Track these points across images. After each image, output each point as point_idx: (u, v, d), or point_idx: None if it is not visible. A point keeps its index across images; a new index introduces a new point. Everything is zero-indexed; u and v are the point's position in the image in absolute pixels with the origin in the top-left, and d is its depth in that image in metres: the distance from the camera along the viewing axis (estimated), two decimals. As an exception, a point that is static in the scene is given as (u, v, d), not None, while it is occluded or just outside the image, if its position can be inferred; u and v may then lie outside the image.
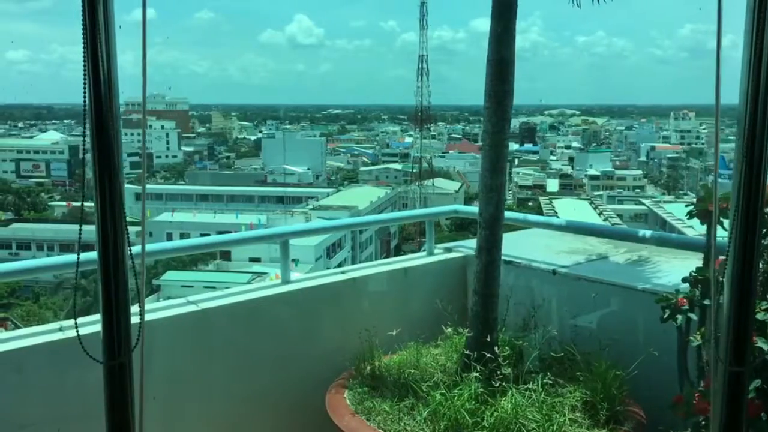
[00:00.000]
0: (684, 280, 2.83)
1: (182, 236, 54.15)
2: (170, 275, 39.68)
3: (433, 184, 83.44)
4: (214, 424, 3.41)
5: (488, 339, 3.20)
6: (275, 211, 58.81)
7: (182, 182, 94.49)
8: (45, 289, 47.11)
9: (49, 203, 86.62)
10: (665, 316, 2.97)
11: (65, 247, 57.39)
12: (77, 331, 1.34)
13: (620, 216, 57.88)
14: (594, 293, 3.55)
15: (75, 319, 1.49)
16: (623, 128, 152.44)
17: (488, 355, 3.11)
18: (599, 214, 55.55)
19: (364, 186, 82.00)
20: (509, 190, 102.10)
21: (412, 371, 3.26)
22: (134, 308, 1.55)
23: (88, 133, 1.32)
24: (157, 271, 38.62)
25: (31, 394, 2.89)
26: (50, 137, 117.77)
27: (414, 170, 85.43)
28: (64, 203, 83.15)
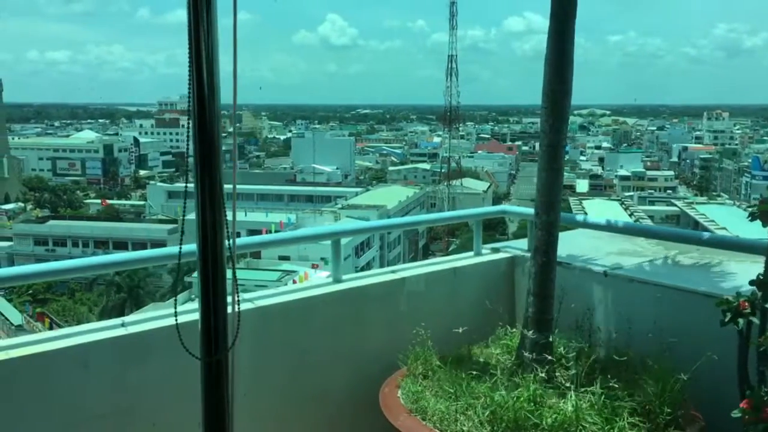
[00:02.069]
0: (751, 283, 2.78)
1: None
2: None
3: (461, 184, 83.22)
4: (267, 421, 3.44)
5: (545, 340, 3.18)
6: (304, 210, 59.14)
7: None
8: (80, 285, 48.04)
9: (85, 201, 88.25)
10: (726, 320, 2.93)
11: (100, 244, 58.46)
12: (177, 328, 1.36)
13: (651, 217, 57.13)
14: (657, 295, 3.50)
15: (176, 317, 1.51)
16: (655, 128, 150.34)
17: (548, 357, 3.09)
18: (630, 215, 54.85)
19: (393, 186, 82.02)
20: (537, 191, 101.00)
21: (467, 371, 3.25)
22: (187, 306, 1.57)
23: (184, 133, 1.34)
24: (189, 269, 39.08)
25: (96, 388, 2.95)
26: (86, 136, 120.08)
27: (442, 170, 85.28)
28: (98, 201, 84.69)
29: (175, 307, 1.54)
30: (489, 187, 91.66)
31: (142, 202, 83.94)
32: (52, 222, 64.94)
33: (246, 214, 54.86)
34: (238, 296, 1.47)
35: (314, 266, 38.85)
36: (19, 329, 35.88)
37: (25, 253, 58.95)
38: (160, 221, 65.22)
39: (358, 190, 76.60)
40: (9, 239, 62.63)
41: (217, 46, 1.27)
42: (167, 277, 45.64)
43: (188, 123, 1.25)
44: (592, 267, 3.96)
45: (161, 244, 54.17)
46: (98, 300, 45.67)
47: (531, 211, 4.58)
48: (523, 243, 4.54)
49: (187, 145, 1.29)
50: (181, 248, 1.46)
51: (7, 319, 36.58)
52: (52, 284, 43.55)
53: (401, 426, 3.06)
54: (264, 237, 3.78)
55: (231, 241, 1.40)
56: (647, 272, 3.82)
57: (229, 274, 1.44)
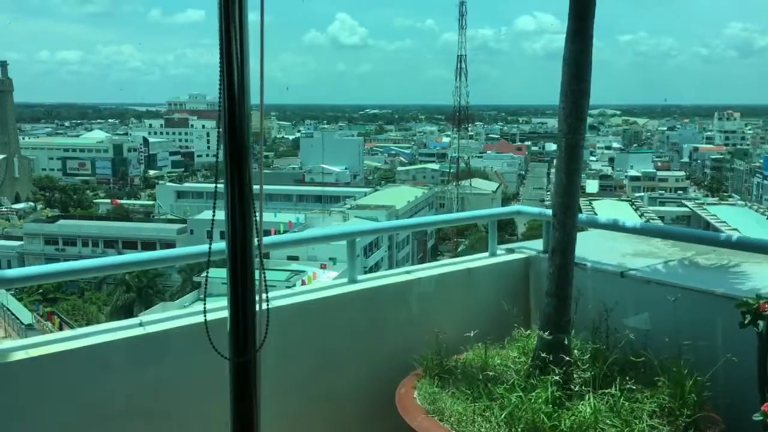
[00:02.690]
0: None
1: (222, 235, 54.81)
2: (211, 272, 40.05)
3: (470, 185, 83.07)
4: (283, 421, 3.44)
5: (562, 341, 3.16)
6: (313, 210, 59.17)
7: (222, 181, 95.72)
8: (89, 285, 48.25)
9: (94, 200, 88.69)
10: (745, 322, 2.90)
11: (109, 244, 58.71)
12: (206, 329, 1.35)
13: (662, 218, 56.81)
14: (673, 297, 3.47)
15: (205, 317, 1.50)
16: (665, 128, 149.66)
17: (566, 358, 3.08)
18: (640, 216, 54.58)
19: (401, 186, 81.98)
20: (546, 191, 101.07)
21: (484, 372, 3.24)
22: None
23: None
24: (200, 268, 39.18)
25: (113, 388, 2.95)
26: (95, 136, 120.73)
27: (451, 170, 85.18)
28: (108, 200, 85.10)
29: (204, 308, 1.53)
30: (498, 187, 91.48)
31: (151, 202, 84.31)
32: (61, 221, 65.26)
33: (255, 214, 54.84)
34: (267, 296, 1.47)
35: (323, 266, 38.89)
36: (30, 328, 36.10)
37: (35, 253, 59.28)
38: (169, 221, 65.45)
39: (367, 190, 76.61)
40: (19, 238, 63.00)
41: (247, 47, 1.26)
42: (176, 276, 45.81)
43: (219, 123, 1.25)
44: (609, 268, 3.94)
45: (170, 243, 54.38)
46: (107, 299, 45.87)
47: (546, 211, 4.57)
48: (537, 243, 4.52)
49: (218, 145, 1.29)
50: (210, 247, 1.45)
51: (18, 318, 36.81)
52: (62, 283, 43.74)
53: (419, 427, 3.05)
54: (291, 236, 3.80)
55: (258, 239, 1.39)
56: (664, 273, 3.80)
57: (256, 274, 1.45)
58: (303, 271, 38.66)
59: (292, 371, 3.44)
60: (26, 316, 38.64)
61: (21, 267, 3.39)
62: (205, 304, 1.54)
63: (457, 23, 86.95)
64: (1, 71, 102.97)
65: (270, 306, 3.33)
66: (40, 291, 44.65)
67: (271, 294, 3.49)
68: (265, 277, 1.43)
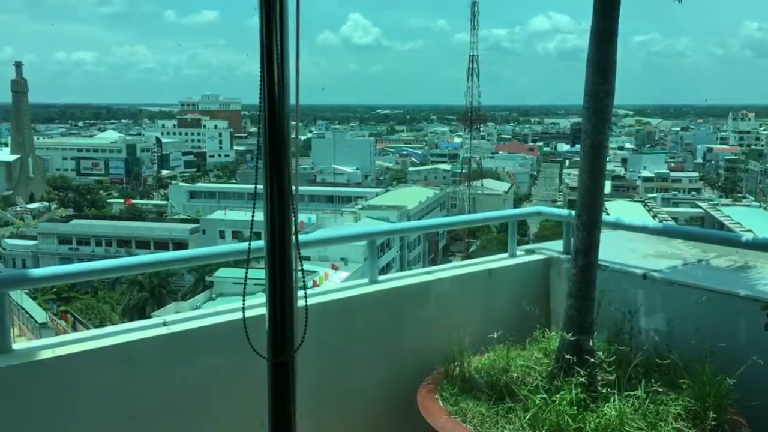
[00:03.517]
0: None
1: (234, 234, 55.16)
2: (222, 272, 40.21)
3: (482, 185, 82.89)
4: (304, 420, 3.44)
5: (586, 343, 3.14)
6: (325, 210, 59.22)
7: (234, 181, 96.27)
8: (103, 284, 48.55)
9: (108, 200, 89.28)
10: (772, 324, 2.87)
11: (123, 243, 59.06)
12: (245, 329, 1.35)
13: (675, 219, 56.43)
14: (699, 299, 3.45)
15: (243, 316, 1.50)
16: (679, 129, 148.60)
17: (591, 359, 3.06)
18: (653, 217, 54.21)
19: (413, 186, 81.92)
20: (558, 192, 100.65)
21: (506, 374, 3.22)
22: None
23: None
24: (211, 268, 39.32)
25: (139, 387, 2.97)
26: (109, 136, 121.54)
27: (463, 171, 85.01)
28: (121, 200, 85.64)
29: (243, 307, 1.53)
30: (510, 188, 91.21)
31: (164, 202, 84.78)
32: (75, 221, 65.75)
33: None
34: (306, 294, 1.47)
35: (334, 267, 38.89)
36: (44, 327, 36.36)
37: (50, 252, 59.75)
38: (182, 221, 65.76)
39: (378, 190, 76.64)
40: (34, 238, 63.51)
41: (287, 48, 1.26)
42: (188, 276, 45.97)
43: (259, 123, 1.25)
44: (630, 269, 3.91)
45: (183, 243, 54.63)
46: (120, 298, 46.14)
47: (566, 212, 4.55)
48: (557, 244, 4.50)
49: (258, 144, 1.29)
50: (250, 245, 1.45)
51: (32, 317, 37.09)
52: (76, 282, 44.03)
53: (442, 428, 3.04)
54: (325, 234, 3.82)
55: (295, 237, 1.39)
56: (687, 275, 3.77)
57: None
58: (315, 272, 38.71)
59: (313, 371, 3.44)
60: (40, 314, 38.91)
61: (36, 266, 3.42)
62: (244, 303, 1.53)
63: (469, 23, 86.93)
64: (16, 72, 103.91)
65: (295, 306, 3.35)
66: (54, 290, 44.95)
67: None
68: (303, 275, 1.42)
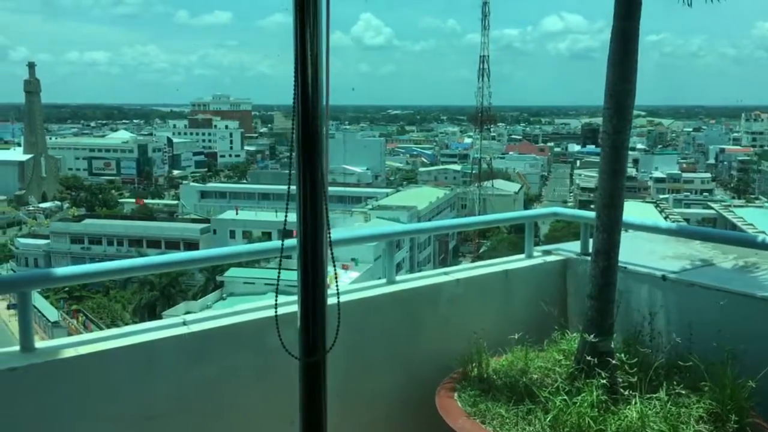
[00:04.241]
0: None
1: (245, 234, 55.32)
2: (233, 272, 40.30)
3: (492, 186, 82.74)
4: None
5: (607, 345, 3.12)
6: (335, 210, 59.25)
7: (245, 181, 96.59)
8: (114, 283, 48.83)
9: (119, 200, 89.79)
10: (794, 327, 2.85)
11: (134, 243, 59.36)
12: (278, 329, 1.35)
13: (687, 220, 56.05)
14: (721, 301, 3.42)
15: (276, 317, 1.50)
16: (691, 129, 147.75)
17: (612, 361, 3.04)
18: (665, 218, 53.89)
19: (423, 186, 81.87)
20: (570, 192, 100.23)
21: (526, 375, 3.21)
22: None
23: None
24: (222, 268, 39.43)
25: (158, 387, 2.98)
26: (120, 136, 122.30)
27: (473, 171, 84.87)
28: (133, 200, 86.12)
29: (276, 306, 1.53)
30: (520, 188, 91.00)
31: (175, 202, 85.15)
32: (87, 221, 66.16)
33: (276, 214, 55.25)
34: (338, 293, 1.46)
35: (344, 267, 38.94)
36: (56, 326, 36.62)
37: (62, 251, 60.14)
38: (193, 220, 66.03)
39: (389, 190, 76.65)
40: (46, 237, 63.97)
41: (321, 49, 1.26)
42: (199, 276, 46.13)
43: (293, 124, 1.25)
44: (650, 271, 3.89)
45: (194, 243, 54.83)
46: (132, 298, 46.36)
47: (583, 213, 4.53)
48: (574, 245, 4.47)
49: (291, 145, 1.29)
50: (282, 243, 1.45)
51: (44, 316, 37.35)
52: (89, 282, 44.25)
53: (460, 429, 3.03)
54: (356, 233, 3.81)
55: (327, 236, 1.39)
56: (707, 276, 3.74)
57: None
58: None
59: (334, 372, 3.44)
60: (52, 313, 39.18)
61: (48, 266, 3.44)
62: (276, 301, 1.52)
63: (480, 24, 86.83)
64: (30, 72, 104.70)
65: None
66: (66, 289, 45.27)
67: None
68: (336, 275, 1.42)
